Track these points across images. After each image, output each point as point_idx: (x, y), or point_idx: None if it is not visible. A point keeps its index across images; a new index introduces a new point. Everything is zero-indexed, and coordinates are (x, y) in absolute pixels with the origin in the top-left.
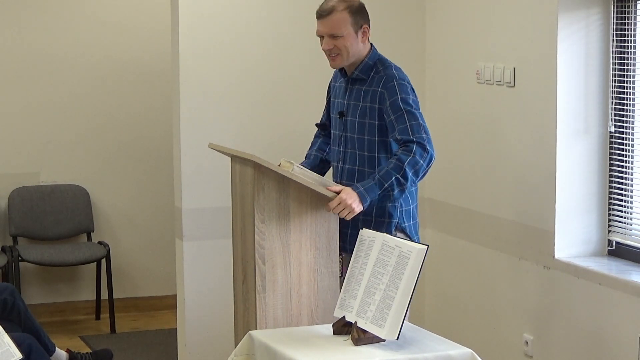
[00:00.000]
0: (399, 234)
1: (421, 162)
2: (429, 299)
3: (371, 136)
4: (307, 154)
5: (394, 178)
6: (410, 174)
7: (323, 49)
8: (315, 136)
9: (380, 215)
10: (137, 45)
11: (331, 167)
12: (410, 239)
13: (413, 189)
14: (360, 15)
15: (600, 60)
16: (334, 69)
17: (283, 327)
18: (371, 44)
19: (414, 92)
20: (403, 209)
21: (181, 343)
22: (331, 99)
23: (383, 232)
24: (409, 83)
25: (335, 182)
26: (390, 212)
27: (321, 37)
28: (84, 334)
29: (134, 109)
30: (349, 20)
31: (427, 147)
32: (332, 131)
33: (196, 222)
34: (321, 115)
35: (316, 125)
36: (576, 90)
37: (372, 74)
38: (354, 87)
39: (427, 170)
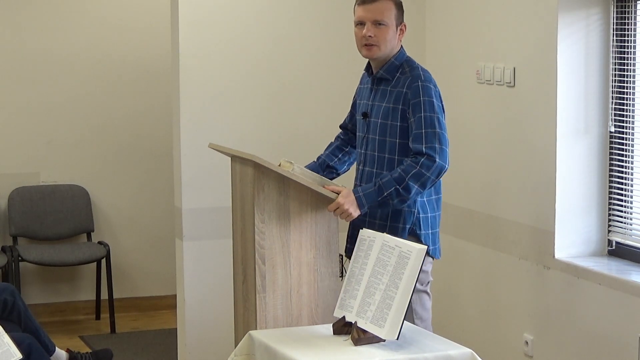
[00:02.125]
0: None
1: (427, 174)
2: None
3: (392, 138)
4: (319, 155)
5: (393, 189)
6: (416, 187)
7: (363, 35)
8: (335, 138)
9: (395, 221)
10: (137, 45)
11: (338, 174)
12: None
13: (433, 197)
14: (401, 12)
15: (600, 60)
16: (363, 70)
17: (283, 327)
18: (401, 45)
19: (438, 96)
20: (420, 215)
21: (181, 343)
22: (357, 101)
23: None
24: (434, 86)
25: (356, 184)
26: (405, 217)
27: (360, 23)
28: (84, 334)
29: (134, 109)
30: (394, 11)
31: (437, 159)
32: (357, 134)
33: (196, 222)
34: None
35: (340, 126)
36: (576, 90)
37: (397, 74)
38: (379, 87)
39: (436, 181)
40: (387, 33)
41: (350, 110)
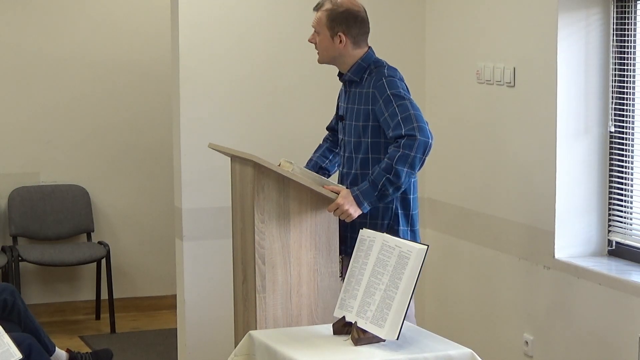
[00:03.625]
0: None
1: (413, 154)
2: (429, 299)
3: (365, 138)
4: (309, 158)
5: (384, 179)
6: (405, 170)
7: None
8: (323, 140)
9: (374, 217)
10: (137, 45)
11: (330, 175)
12: None
13: (411, 196)
14: (338, 22)
15: (600, 60)
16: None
17: (283, 327)
18: (369, 47)
19: (405, 87)
20: (399, 212)
21: (181, 343)
22: (338, 104)
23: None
24: (399, 79)
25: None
26: (382, 213)
27: None
28: (84, 334)
29: (134, 109)
30: (325, 22)
31: (417, 136)
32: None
33: (196, 222)
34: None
35: (326, 128)
36: (576, 90)
37: (365, 75)
38: (350, 90)
39: (424, 159)
40: (321, 41)
41: (335, 112)
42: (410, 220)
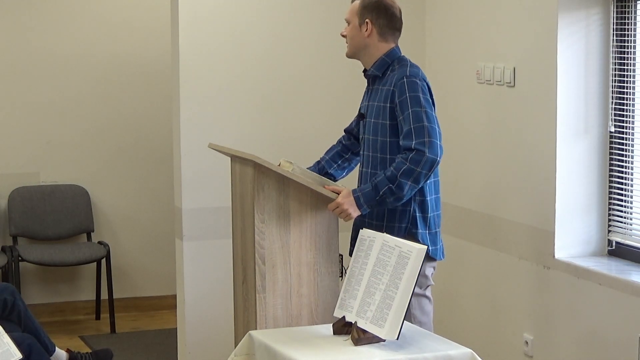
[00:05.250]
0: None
1: (418, 169)
2: None
3: (384, 137)
4: (321, 157)
5: (387, 187)
6: (409, 183)
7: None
8: (337, 142)
9: (391, 220)
10: (137, 45)
11: (335, 181)
12: None
13: (429, 198)
14: (368, 10)
15: (600, 60)
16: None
17: (283, 327)
18: (396, 46)
19: (426, 90)
20: (417, 214)
21: (181, 343)
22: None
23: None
24: (421, 80)
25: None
26: (400, 216)
27: None
28: (84, 334)
29: (134, 108)
30: (357, 10)
31: (426, 152)
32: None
33: (196, 222)
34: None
35: (344, 130)
36: (576, 90)
37: (388, 72)
38: (373, 87)
39: (429, 175)
40: (350, 30)
41: (358, 112)
42: (428, 223)
